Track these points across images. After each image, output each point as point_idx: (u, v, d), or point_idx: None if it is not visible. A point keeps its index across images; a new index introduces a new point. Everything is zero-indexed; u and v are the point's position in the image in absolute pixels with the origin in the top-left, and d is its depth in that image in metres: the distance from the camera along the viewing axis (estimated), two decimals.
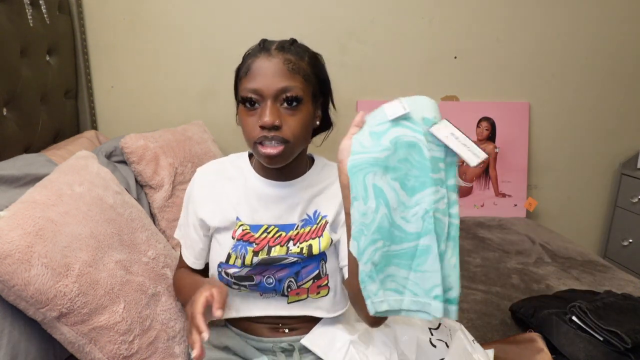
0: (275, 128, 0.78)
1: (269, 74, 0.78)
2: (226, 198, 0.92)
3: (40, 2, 1.50)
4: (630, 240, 2.23)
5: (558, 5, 2.12)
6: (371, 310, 0.71)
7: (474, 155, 0.69)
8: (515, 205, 2.22)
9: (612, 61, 2.23)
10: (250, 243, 0.88)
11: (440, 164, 0.70)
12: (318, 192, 0.93)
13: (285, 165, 0.85)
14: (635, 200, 2.20)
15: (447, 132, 0.69)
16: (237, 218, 0.90)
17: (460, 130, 0.70)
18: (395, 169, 0.70)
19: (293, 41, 0.85)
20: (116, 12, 1.86)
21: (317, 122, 0.90)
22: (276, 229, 0.90)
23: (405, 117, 0.70)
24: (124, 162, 1.43)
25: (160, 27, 1.91)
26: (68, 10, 1.74)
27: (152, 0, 1.88)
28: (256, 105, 0.80)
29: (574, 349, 1.09)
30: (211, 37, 1.94)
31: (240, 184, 0.92)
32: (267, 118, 0.77)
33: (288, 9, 1.96)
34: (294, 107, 0.80)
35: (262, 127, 0.78)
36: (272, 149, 0.79)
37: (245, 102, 0.80)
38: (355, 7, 2.00)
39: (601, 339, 1.09)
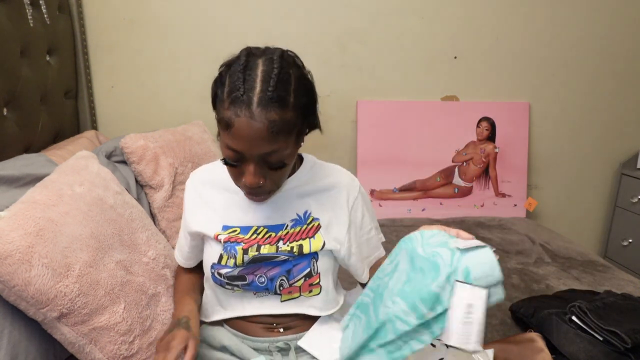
0: (258, 187, 0.80)
1: (250, 140, 0.73)
2: (214, 205, 0.93)
3: (40, 2, 1.50)
4: (630, 240, 2.23)
5: (558, 5, 2.12)
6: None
7: (458, 337, 0.66)
8: (515, 205, 2.22)
9: (612, 61, 2.23)
10: (239, 243, 0.89)
11: (438, 307, 0.70)
12: (308, 192, 0.93)
13: None
14: (635, 200, 2.20)
15: (468, 299, 0.67)
16: (224, 227, 0.91)
17: (483, 313, 0.66)
18: (414, 269, 0.74)
19: (278, 72, 0.74)
20: (116, 12, 1.86)
21: (302, 143, 0.87)
22: (265, 229, 0.91)
23: (455, 250, 0.72)
24: (124, 162, 1.43)
25: (160, 27, 1.91)
26: (68, 10, 1.74)
27: (152, 0, 1.88)
28: (238, 163, 0.78)
29: (574, 349, 1.09)
30: (211, 37, 1.94)
31: (228, 189, 0.93)
32: (250, 180, 0.78)
33: (288, 9, 1.96)
34: (278, 167, 0.79)
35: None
36: (256, 197, 0.85)
37: (228, 164, 0.79)
38: (355, 7, 2.00)
39: (601, 339, 1.09)
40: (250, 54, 0.78)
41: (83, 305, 0.83)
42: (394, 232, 1.88)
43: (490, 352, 1.02)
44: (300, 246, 0.89)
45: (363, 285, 1.05)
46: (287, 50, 0.82)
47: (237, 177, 0.81)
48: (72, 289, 0.82)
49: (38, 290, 0.78)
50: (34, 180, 1.02)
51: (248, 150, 0.75)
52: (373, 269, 1.01)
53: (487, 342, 1.14)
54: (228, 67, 0.79)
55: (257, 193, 0.82)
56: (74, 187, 0.97)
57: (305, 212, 0.92)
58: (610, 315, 1.13)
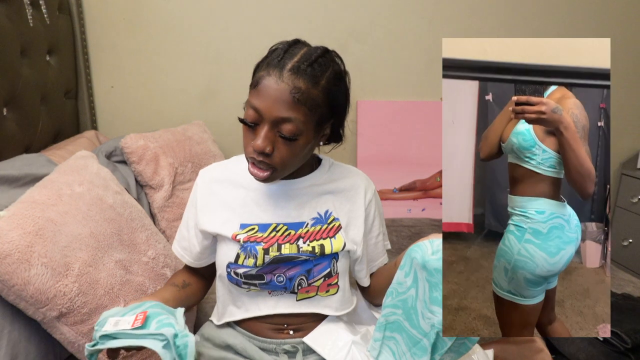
0: (265, 155, 0.79)
1: (272, 99, 0.76)
2: (230, 203, 0.91)
3: (40, 2, 1.50)
4: (630, 240, 2.23)
5: (557, 5, 2.12)
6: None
7: None
8: None
9: (612, 61, 2.22)
10: (259, 242, 0.87)
11: None
12: (328, 191, 0.93)
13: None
14: (635, 200, 2.19)
15: None
16: (242, 225, 0.89)
17: None
18: (430, 274, 0.76)
19: (318, 57, 0.79)
20: (116, 12, 1.86)
21: (322, 143, 0.88)
22: (285, 227, 0.90)
23: None
24: (124, 162, 1.43)
25: (160, 27, 1.91)
26: (68, 10, 1.74)
27: (152, 0, 1.88)
28: (255, 123, 0.79)
29: (573, 349, 1.09)
30: (211, 37, 1.94)
31: (245, 187, 0.91)
32: (259, 143, 0.77)
33: (288, 9, 1.97)
34: (289, 139, 0.79)
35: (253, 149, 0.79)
36: (259, 171, 0.81)
37: (246, 123, 0.80)
38: (355, 7, 2.00)
39: (601, 339, 1.08)
40: (299, 41, 0.83)
41: (82, 305, 0.83)
42: (394, 232, 1.88)
43: (490, 352, 1.02)
44: (322, 246, 0.88)
45: (362, 290, 1.05)
46: (334, 51, 0.87)
47: (248, 142, 0.81)
48: (71, 289, 0.82)
49: (37, 290, 0.78)
50: (33, 180, 1.02)
51: (267, 111, 0.76)
52: (374, 275, 1.01)
53: (487, 342, 1.14)
54: (276, 48, 0.83)
55: (262, 165, 0.80)
56: (74, 187, 0.97)
57: (327, 212, 0.92)
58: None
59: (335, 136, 0.90)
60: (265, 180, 0.82)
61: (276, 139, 0.78)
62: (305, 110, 0.77)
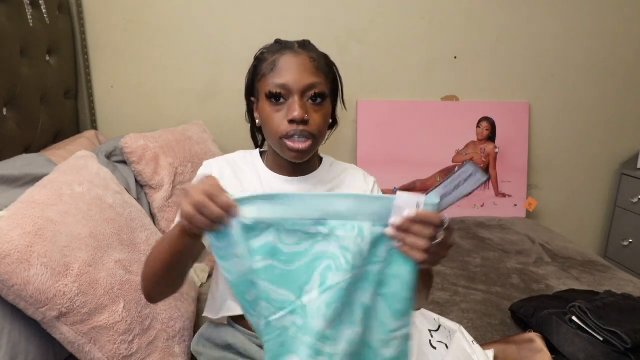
0: (304, 122, 0.81)
1: (297, 70, 0.82)
2: (245, 187, 0.91)
3: (40, 2, 1.50)
4: (630, 240, 2.23)
5: (557, 5, 2.12)
6: None
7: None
8: (515, 205, 2.21)
9: (612, 61, 2.23)
10: None
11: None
12: (331, 189, 0.94)
13: (300, 162, 0.88)
14: (635, 200, 2.19)
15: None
16: None
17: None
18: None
19: (309, 42, 0.88)
20: (116, 12, 1.86)
21: (330, 120, 0.91)
22: None
23: None
24: (124, 162, 1.43)
25: (160, 27, 1.91)
26: (68, 10, 1.74)
27: (152, 0, 1.88)
28: (282, 100, 0.82)
29: (573, 349, 1.09)
30: (211, 37, 1.94)
31: (254, 178, 0.92)
32: (297, 112, 0.80)
33: (288, 9, 1.96)
34: (319, 103, 0.84)
35: (292, 121, 0.81)
36: (300, 144, 0.82)
37: (272, 97, 0.83)
38: (355, 7, 2.00)
39: (601, 339, 1.08)
40: (282, 40, 0.90)
41: (82, 305, 0.83)
42: None
43: (490, 353, 1.02)
44: None
45: None
46: None
47: (281, 119, 0.82)
48: (71, 288, 0.82)
49: (37, 290, 0.78)
50: (33, 180, 1.02)
51: (295, 82, 0.81)
52: None
53: (487, 342, 1.15)
54: (262, 52, 0.89)
55: (302, 135, 0.82)
56: (74, 187, 0.97)
57: None
58: (610, 315, 1.13)
59: (333, 120, 0.94)
60: (305, 152, 0.83)
61: (308, 107, 0.83)
62: (324, 76, 0.85)
